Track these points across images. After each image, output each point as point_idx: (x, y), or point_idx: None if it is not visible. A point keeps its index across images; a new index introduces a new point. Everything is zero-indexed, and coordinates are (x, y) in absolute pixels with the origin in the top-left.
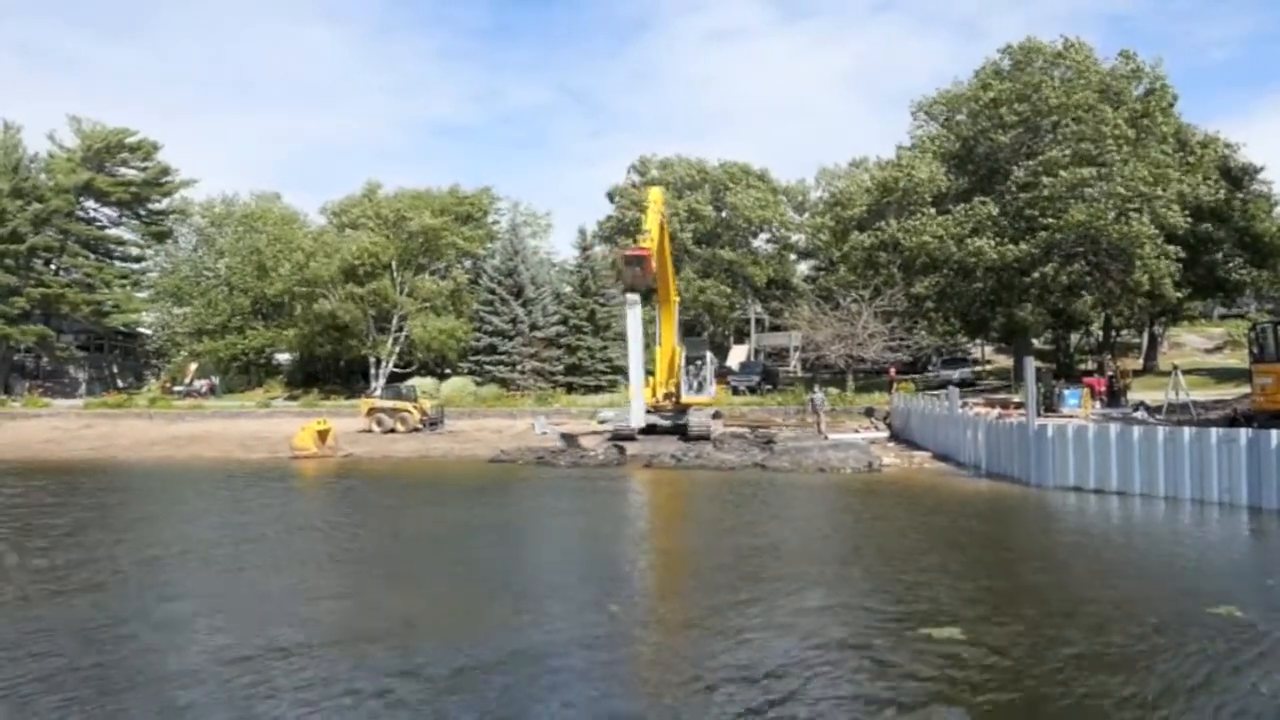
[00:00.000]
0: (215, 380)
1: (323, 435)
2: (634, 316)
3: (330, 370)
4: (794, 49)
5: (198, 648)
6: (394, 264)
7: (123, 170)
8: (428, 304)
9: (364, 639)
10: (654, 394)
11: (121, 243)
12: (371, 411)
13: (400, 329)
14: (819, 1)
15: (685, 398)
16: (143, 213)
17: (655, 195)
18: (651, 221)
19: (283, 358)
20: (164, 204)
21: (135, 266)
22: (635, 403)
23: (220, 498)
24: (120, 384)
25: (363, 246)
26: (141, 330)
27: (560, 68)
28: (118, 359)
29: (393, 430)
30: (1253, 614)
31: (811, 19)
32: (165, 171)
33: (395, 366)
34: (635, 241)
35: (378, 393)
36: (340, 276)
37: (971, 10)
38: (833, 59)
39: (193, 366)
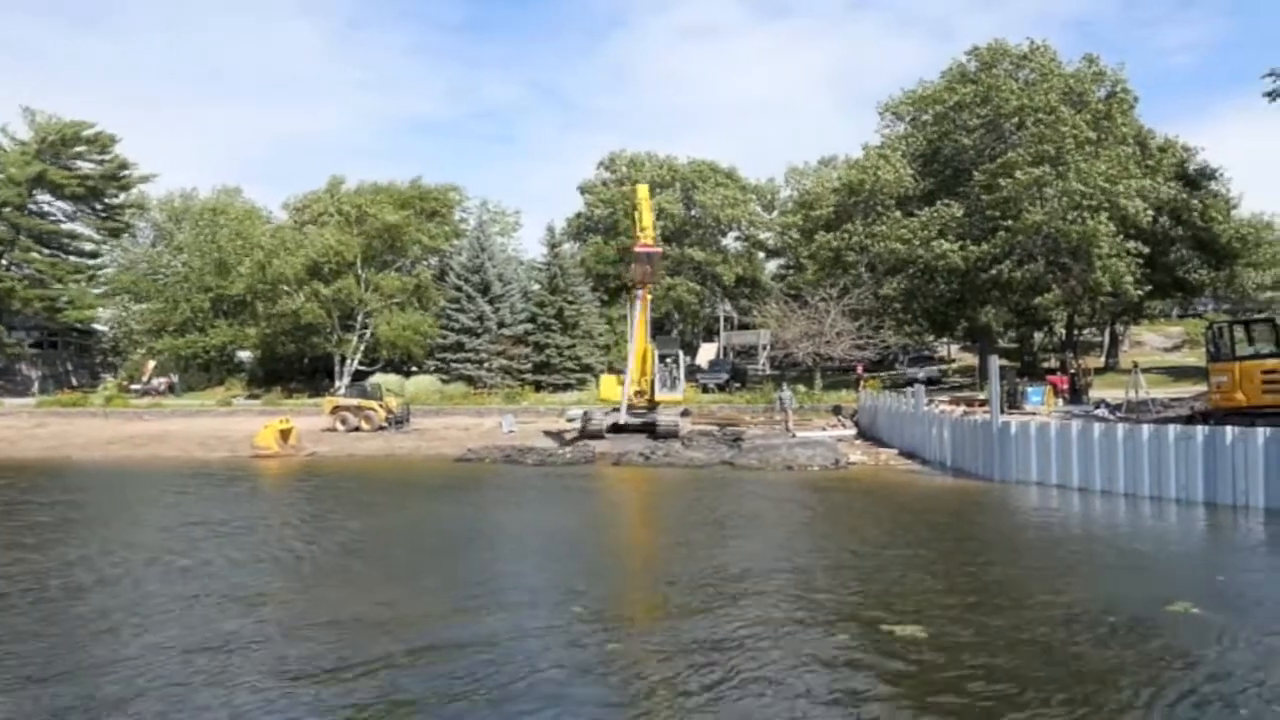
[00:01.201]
0: (174, 378)
1: (285, 434)
2: (637, 312)
3: (293, 368)
4: (767, 48)
5: (128, 645)
6: (358, 260)
7: (79, 164)
8: (393, 300)
9: (308, 636)
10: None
11: (76, 237)
12: (335, 410)
13: (365, 326)
14: (792, 1)
15: (659, 395)
16: (99, 207)
17: (644, 192)
18: (648, 218)
19: (244, 355)
20: (121, 199)
21: (90, 262)
22: (627, 397)
23: (176, 497)
24: (75, 382)
25: (327, 244)
26: (97, 327)
27: (533, 64)
28: (72, 356)
29: (357, 429)
30: (1207, 611)
31: (785, 18)
32: (123, 165)
33: (360, 364)
34: (639, 238)
35: (342, 390)
36: (304, 274)
37: (944, 11)
38: (806, 58)
39: (151, 364)
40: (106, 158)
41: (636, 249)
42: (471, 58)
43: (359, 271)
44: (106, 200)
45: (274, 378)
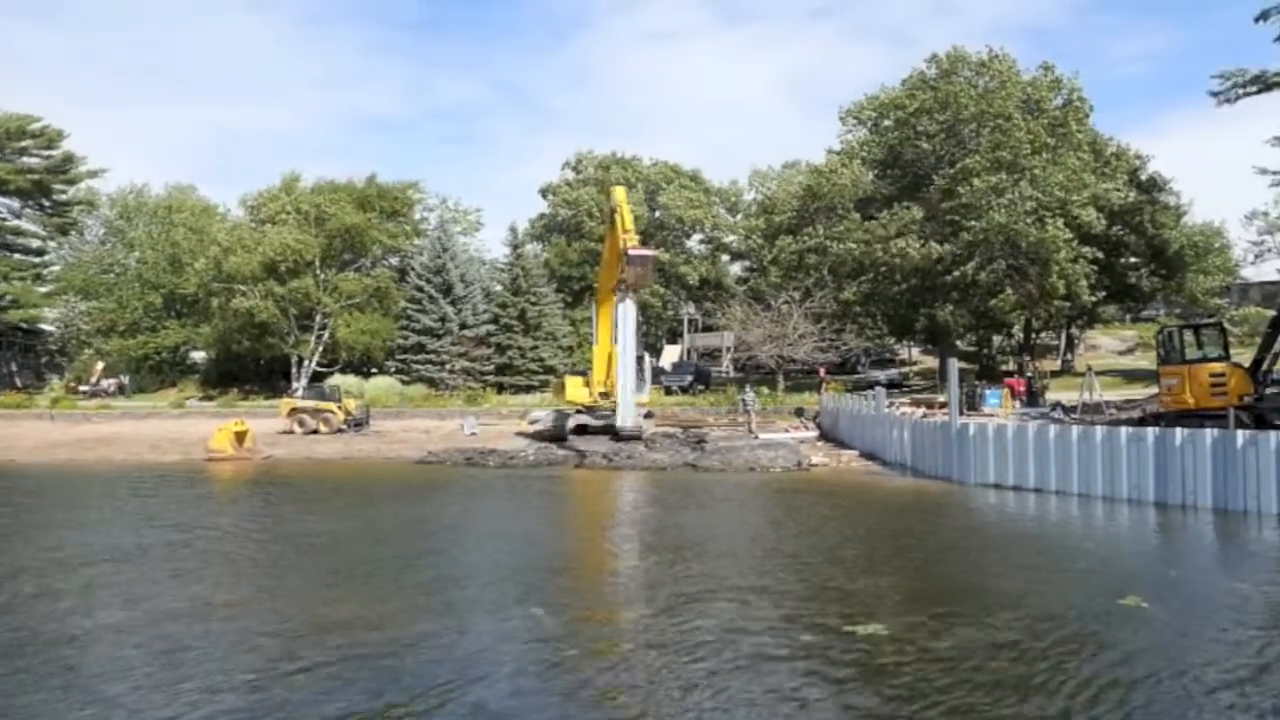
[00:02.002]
0: (125, 380)
1: (240, 436)
2: (630, 315)
3: (249, 369)
4: (729, 52)
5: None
6: (317, 260)
7: (24, 159)
8: (352, 301)
9: (255, 640)
10: (591, 394)
11: (21, 234)
12: (293, 412)
13: (324, 327)
14: (755, 6)
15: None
16: (46, 203)
17: (622, 194)
18: (630, 220)
19: (198, 356)
20: (69, 194)
21: (36, 260)
22: (626, 401)
23: (125, 502)
24: (19, 383)
25: (285, 243)
26: (43, 327)
27: (494, 64)
28: (16, 357)
29: (315, 431)
30: (1157, 605)
31: (748, 23)
32: (70, 159)
33: (318, 365)
34: (624, 240)
35: (299, 392)
36: (261, 272)
37: (902, 19)
38: (768, 63)
39: (100, 365)
40: (53, 152)
41: (631, 252)
42: (429, 56)
43: (317, 271)
44: (54, 196)
45: (229, 379)
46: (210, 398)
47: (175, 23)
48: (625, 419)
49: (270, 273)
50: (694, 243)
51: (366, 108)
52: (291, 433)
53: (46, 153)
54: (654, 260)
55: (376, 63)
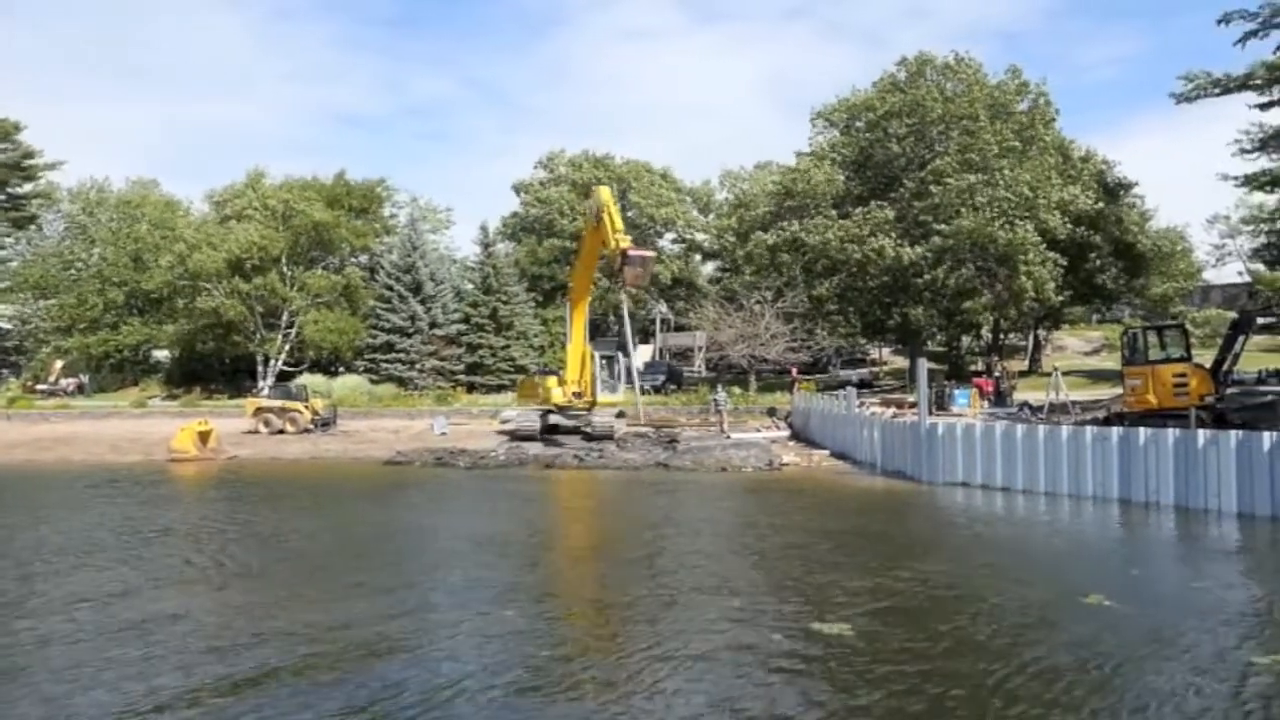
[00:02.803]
0: (84, 379)
1: (204, 436)
2: (627, 313)
3: (214, 369)
4: (706, 52)
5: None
6: (284, 258)
7: None
8: (320, 299)
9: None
10: (565, 393)
11: None
12: (258, 411)
13: (290, 325)
14: (730, 6)
15: (602, 398)
16: (1, 197)
17: (608, 194)
18: (619, 220)
19: (161, 355)
20: (26, 188)
21: None
22: (638, 399)
23: (81, 501)
24: None
25: (251, 239)
26: None
27: (468, 61)
28: None
29: (281, 431)
30: (1119, 603)
31: (723, 23)
32: (28, 154)
33: (285, 364)
34: (615, 241)
35: (265, 391)
36: (226, 270)
37: (875, 21)
38: (741, 63)
39: (58, 364)
40: (9, 146)
41: (631, 252)
42: (402, 52)
43: (284, 269)
44: (10, 190)
45: (193, 378)
46: (173, 397)
47: (145, 17)
48: (640, 416)
49: (236, 270)
50: (666, 242)
51: (338, 104)
52: (257, 433)
53: (1, 145)
54: (651, 260)
55: (349, 58)
